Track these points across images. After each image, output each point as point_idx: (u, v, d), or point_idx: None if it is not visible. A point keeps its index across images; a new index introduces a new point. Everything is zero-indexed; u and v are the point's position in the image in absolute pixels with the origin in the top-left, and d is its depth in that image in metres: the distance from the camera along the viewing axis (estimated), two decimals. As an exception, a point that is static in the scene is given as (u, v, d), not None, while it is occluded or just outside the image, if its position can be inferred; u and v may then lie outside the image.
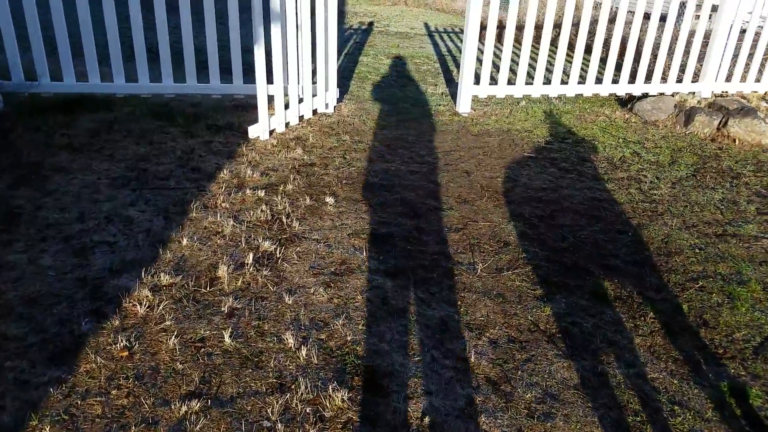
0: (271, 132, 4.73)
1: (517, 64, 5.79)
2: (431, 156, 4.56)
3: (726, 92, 6.36)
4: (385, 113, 5.54)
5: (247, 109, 5.22)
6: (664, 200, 3.98)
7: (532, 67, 7.32)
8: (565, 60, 6.12)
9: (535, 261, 3.12)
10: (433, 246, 3.20)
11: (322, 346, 2.38)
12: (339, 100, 5.81)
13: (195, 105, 5.23)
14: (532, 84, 5.88)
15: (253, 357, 2.30)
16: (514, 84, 5.80)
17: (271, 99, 4.76)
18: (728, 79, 6.33)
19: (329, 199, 3.66)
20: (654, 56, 6.41)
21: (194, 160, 4.08)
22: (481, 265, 3.05)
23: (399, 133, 5.02)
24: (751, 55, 6.37)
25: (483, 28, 5.96)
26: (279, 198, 3.62)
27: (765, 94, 6.45)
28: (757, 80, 6.44)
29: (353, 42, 9.39)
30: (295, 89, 4.87)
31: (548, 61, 6.99)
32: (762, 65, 6.45)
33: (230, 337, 2.38)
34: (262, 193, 3.65)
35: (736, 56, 6.30)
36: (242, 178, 3.87)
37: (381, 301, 2.68)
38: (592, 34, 6.77)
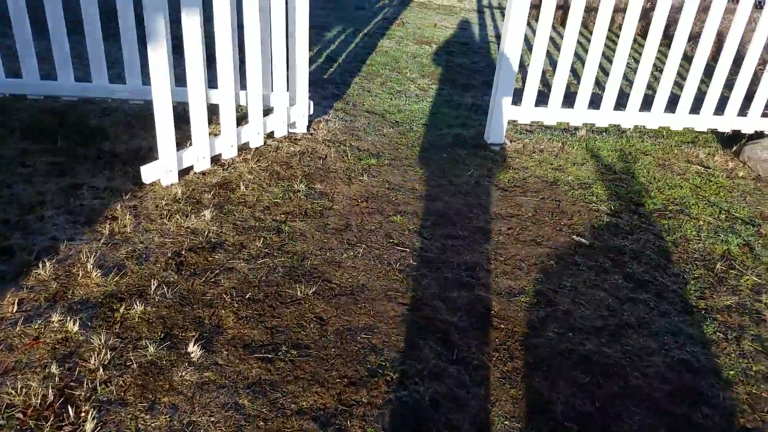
0: (185, 171, 3.07)
1: (579, 77, 3.89)
2: (420, 235, 2.82)
3: None
4: (381, 140, 3.78)
5: (183, 121, 3.57)
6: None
7: (600, 81, 5.33)
8: (652, 71, 4.14)
9: None
10: None
11: None
12: (327, 109, 4.08)
13: (107, 114, 3.61)
14: (598, 109, 3.97)
15: None
16: (572, 106, 3.90)
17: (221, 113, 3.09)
18: None
19: (193, 349, 2.00)
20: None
21: (21, 228, 2.48)
22: None
23: (387, 180, 3.28)
24: None
25: (535, 7, 4.02)
26: (100, 339, 2.00)
27: None
28: None
29: (381, 18, 7.49)
30: (229, 100, 3.16)
31: (626, 72, 5.01)
32: None
33: None
34: (75, 326, 2.02)
35: None
36: (69, 281, 2.24)
37: None
38: (696, 37, 4.67)
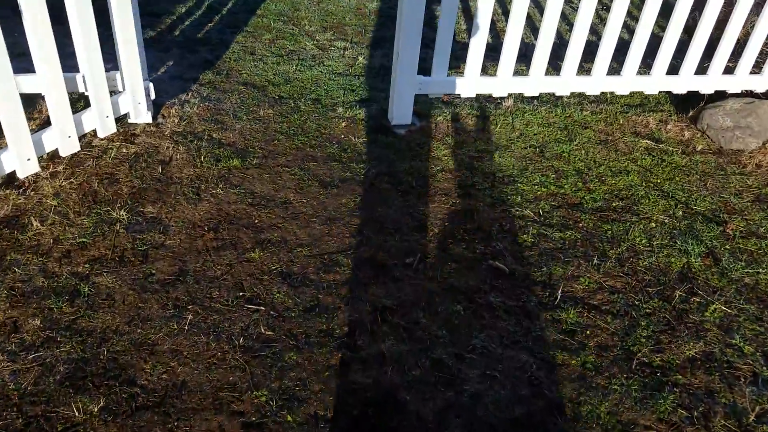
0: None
1: (502, 35, 3.04)
2: (285, 280, 2.03)
3: None
4: (253, 127, 2.90)
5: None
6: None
7: (529, 43, 4.50)
8: (592, 25, 3.32)
9: None
10: None
11: None
12: (190, 84, 3.13)
13: None
14: (526, 74, 3.16)
15: None
16: (495, 74, 3.08)
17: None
18: None
19: None
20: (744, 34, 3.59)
21: None
22: None
23: (251, 191, 2.44)
24: None
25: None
26: None
27: None
28: None
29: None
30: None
31: (560, 30, 4.17)
32: None
33: None
34: None
35: None
36: None
37: None
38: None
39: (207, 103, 3.04)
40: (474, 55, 2.97)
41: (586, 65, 3.72)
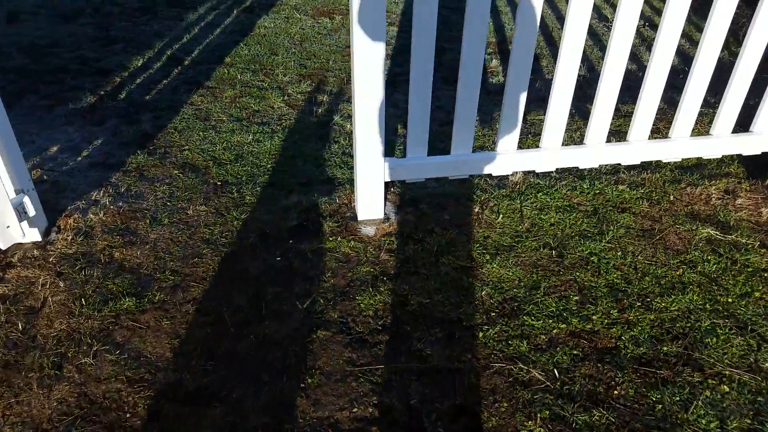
0: None
1: (500, 95, 2.20)
2: None
3: None
4: (174, 236, 2.17)
5: None
6: None
7: (536, 78, 3.67)
8: (627, 73, 2.47)
9: None
10: None
11: None
12: (110, 173, 2.45)
13: None
14: (537, 148, 2.32)
15: None
16: (493, 148, 2.26)
17: None
18: None
19: None
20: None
21: None
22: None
23: (138, 354, 1.70)
24: None
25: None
26: None
27: None
28: None
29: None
30: None
31: (582, 80, 3.33)
32: None
33: None
34: None
35: None
36: None
37: None
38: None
39: (121, 204, 2.33)
40: (462, 124, 2.17)
41: (619, 117, 2.84)
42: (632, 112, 2.34)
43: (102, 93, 3.26)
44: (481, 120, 2.99)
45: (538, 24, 2.21)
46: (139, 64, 3.62)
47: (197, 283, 1.96)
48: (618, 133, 2.85)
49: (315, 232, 2.20)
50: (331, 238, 2.16)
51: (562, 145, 2.31)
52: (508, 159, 2.26)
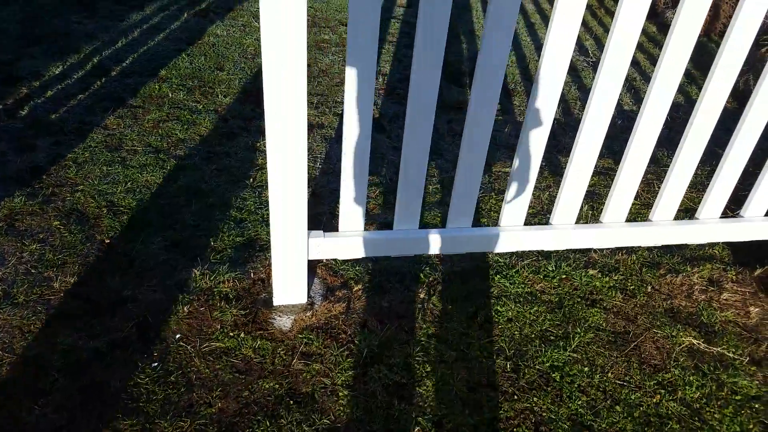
0: None
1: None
2: None
3: None
4: (21, 324, 1.70)
5: None
6: None
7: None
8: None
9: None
10: None
11: None
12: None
13: None
14: (496, 219, 1.92)
15: None
16: (439, 224, 1.84)
17: None
18: None
19: None
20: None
21: None
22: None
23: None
24: None
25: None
26: None
27: None
28: None
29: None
30: None
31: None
32: None
33: None
34: None
35: None
36: None
37: None
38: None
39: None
40: (407, 193, 1.74)
41: (596, 175, 2.46)
42: (605, 170, 1.94)
43: (0, 107, 2.74)
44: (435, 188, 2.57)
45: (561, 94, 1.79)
46: (57, 72, 3.10)
47: (25, 414, 1.49)
48: (592, 195, 2.46)
49: (211, 322, 1.75)
50: (232, 334, 1.71)
51: (524, 223, 1.90)
52: (454, 240, 1.84)
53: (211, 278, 1.89)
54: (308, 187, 2.39)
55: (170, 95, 3.00)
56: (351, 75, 1.46)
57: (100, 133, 2.62)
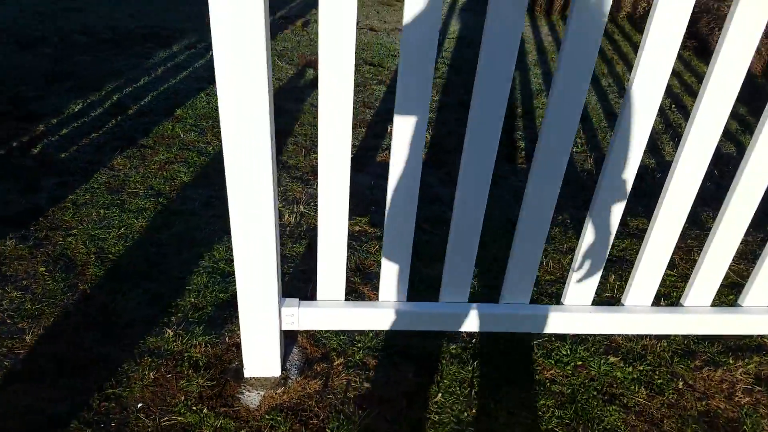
0: None
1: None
2: None
3: None
4: None
5: None
6: None
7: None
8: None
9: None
10: None
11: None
12: None
13: None
14: (495, 295, 1.69)
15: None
16: (436, 297, 1.64)
17: None
18: None
19: None
20: None
21: None
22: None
23: None
24: None
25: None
26: None
27: None
28: None
29: (278, 16, 5.13)
30: None
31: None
32: None
33: None
34: None
35: None
36: None
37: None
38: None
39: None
40: (394, 257, 1.55)
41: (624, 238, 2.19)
42: (638, 231, 1.69)
43: (14, 144, 2.73)
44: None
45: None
46: (76, 109, 3.10)
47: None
48: (622, 262, 2.19)
49: (176, 392, 1.58)
50: (195, 408, 1.54)
51: (528, 303, 1.66)
52: (447, 316, 1.62)
53: (184, 341, 1.73)
54: (296, 241, 2.22)
55: (182, 135, 2.93)
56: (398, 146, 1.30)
57: (105, 173, 2.56)
